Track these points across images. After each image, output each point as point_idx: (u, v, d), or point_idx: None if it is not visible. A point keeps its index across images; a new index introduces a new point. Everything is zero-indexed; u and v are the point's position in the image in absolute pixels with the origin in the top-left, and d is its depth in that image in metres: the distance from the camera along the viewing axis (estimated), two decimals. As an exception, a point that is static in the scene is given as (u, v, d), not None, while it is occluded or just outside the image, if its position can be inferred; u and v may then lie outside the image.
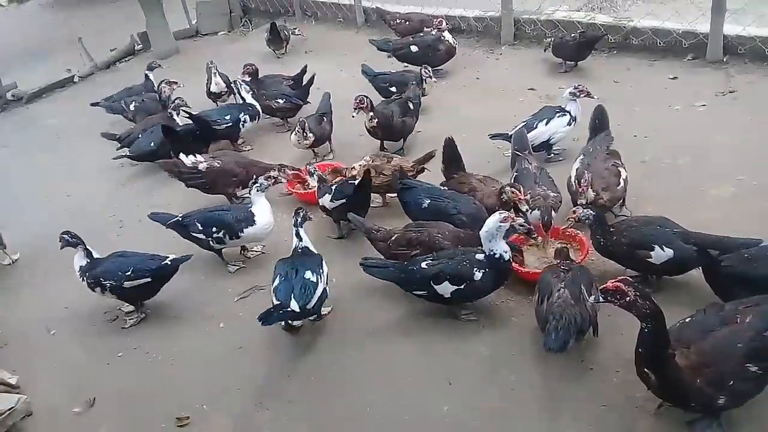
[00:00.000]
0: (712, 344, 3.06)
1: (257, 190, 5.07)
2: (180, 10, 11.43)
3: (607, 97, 6.43)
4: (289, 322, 4.28)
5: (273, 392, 3.99)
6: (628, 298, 3.01)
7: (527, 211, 4.52)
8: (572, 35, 7.22)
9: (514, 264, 4.30)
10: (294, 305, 4.01)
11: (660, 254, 3.95)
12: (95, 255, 4.72)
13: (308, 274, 4.17)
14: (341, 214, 5.07)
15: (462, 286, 4.03)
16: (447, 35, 7.55)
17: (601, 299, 3.09)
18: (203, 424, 3.86)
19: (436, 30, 7.57)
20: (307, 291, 4.08)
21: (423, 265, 4.12)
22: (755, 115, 5.93)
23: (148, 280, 4.59)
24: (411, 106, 6.25)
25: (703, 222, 4.56)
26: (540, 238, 4.46)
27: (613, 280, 3.08)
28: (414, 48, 7.61)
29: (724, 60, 6.76)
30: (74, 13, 14.99)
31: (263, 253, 5.29)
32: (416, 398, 3.77)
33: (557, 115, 5.65)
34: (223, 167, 5.83)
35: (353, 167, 5.53)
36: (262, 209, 5.06)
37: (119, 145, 6.99)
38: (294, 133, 6.27)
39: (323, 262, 4.38)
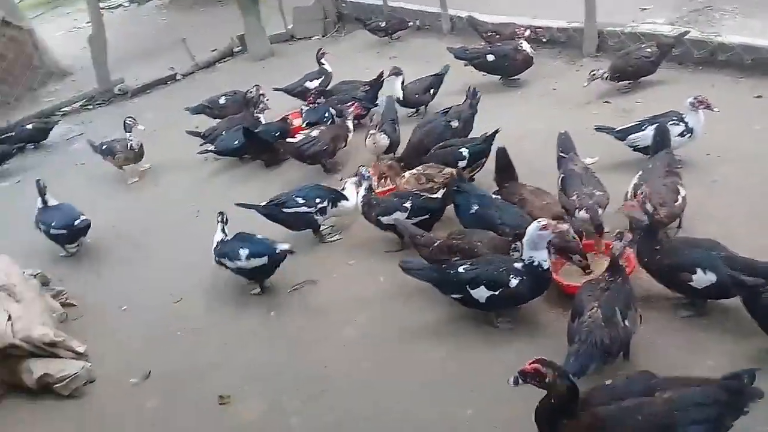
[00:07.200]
0: (609, 411, 2.96)
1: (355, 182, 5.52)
2: (278, 15, 11.98)
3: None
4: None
5: (307, 382, 4.19)
6: (547, 380, 2.98)
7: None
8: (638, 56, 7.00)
9: (557, 277, 4.33)
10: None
11: (702, 278, 3.80)
12: (50, 203, 6.03)
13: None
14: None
15: (497, 292, 4.07)
16: (525, 45, 7.52)
17: (520, 381, 3.01)
18: (240, 405, 4.13)
19: (517, 38, 7.56)
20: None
21: (460, 269, 4.20)
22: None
23: (63, 232, 5.91)
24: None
25: (766, 247, 4.38)
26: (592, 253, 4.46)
27: (531, 361, 3.02)
28: (490, 57, 7.61)
29: (816, 79, 6.37)
30: (186, 14, 15.98)
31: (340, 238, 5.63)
32: (441, 400, 3.86)
33: (671, 122, 5.33)
34: (330, 129, 6.63)
35: (403, 175, 5.60)
36: (351, 192, 5.53)
37: (203, 141, 7.48)
38: (368, 137, 6.37)
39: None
